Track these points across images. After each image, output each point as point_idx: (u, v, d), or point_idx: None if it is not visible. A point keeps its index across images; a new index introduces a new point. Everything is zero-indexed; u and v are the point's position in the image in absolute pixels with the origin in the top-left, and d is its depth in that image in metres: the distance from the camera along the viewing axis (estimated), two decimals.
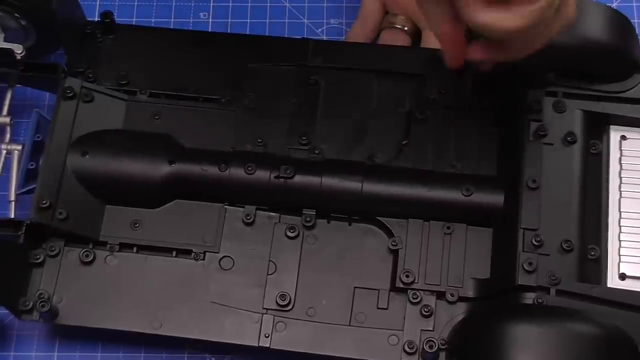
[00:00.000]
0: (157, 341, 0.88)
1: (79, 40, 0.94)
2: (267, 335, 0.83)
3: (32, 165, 0.88)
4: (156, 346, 0.90)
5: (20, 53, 0.90)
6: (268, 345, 0.83)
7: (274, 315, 0.84)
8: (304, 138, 0.89)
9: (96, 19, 0.99)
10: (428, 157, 0.88)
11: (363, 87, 0.92)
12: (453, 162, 0.87)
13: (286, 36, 1.03)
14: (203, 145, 0.89)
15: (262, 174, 0.86)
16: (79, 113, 0.88)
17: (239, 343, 0.84)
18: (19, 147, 0.89)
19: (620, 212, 0.82)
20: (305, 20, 1.04)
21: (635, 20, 1.03)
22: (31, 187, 0.87)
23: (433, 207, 0.85)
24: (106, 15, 0.93)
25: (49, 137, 0.86)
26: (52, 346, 0.91)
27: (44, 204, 0.84)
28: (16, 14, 0.90)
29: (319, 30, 1.04)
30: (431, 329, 0.83)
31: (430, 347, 0.81)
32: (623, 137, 0.85)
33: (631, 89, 0.85)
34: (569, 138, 0.83)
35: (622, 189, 0.83)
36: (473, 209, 0.85)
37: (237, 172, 0.87)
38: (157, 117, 0.90)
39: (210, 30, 1.03)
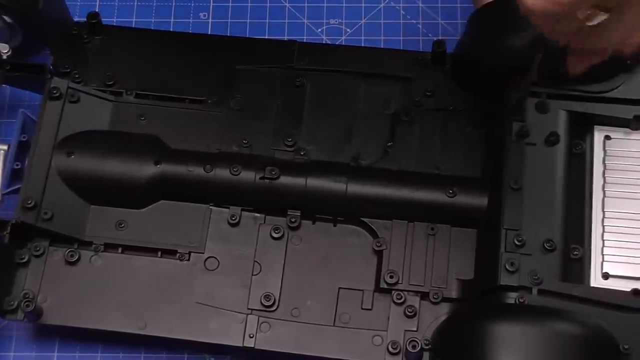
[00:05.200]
0: (157, 342, 0.87)
1: (66, 41, 0.94)
2: (251, 335, 0.83)
3: (17, 165, 0.88)
4: (156, 347, 0.90)
5: (6, 52, 0.90)
6: (252, 346, 0.83)
7: (259, 316, 0.84)
8: (290, 139, 0.89)
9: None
10: (413, 158, 0.88)
11: (349, 88, 0.92)
12: (438, 164, 0.88)
13: (274, 37, 1.02)
14: (189, 146, 0.89)
15: (248, 175, 0.86)
16: (64, 113, 0.88)
17: (223, 343, 0.84)
18: (5, 147, 0.89)
19: (603, 211, 0.82)
20: (305, 21, 1.04)
21: None
22: (16, 187, 0.87)
23: (417, 208, 0.86)
24: (93, 16, 0.94)
25: (34, 137, 0.87)
26: (52, 347, 0.90)
27: (29, 203, 0.84)
28: (2, 13, 0.90)
29: (319, 30, 1.03)
30: (415, 329, 0.83)
31: (414, 347, 0.81)
32: (607, 137, 0.85)
33: (615, 88, 0.85)
34: (551, 138, 0.83)
35: (605, 189, 0.83)
36: (457, 210, 0.85)
37: (222, 173, 0.87)
38: (143, 118, 0.90)
39: (208, 32, 1.03)
